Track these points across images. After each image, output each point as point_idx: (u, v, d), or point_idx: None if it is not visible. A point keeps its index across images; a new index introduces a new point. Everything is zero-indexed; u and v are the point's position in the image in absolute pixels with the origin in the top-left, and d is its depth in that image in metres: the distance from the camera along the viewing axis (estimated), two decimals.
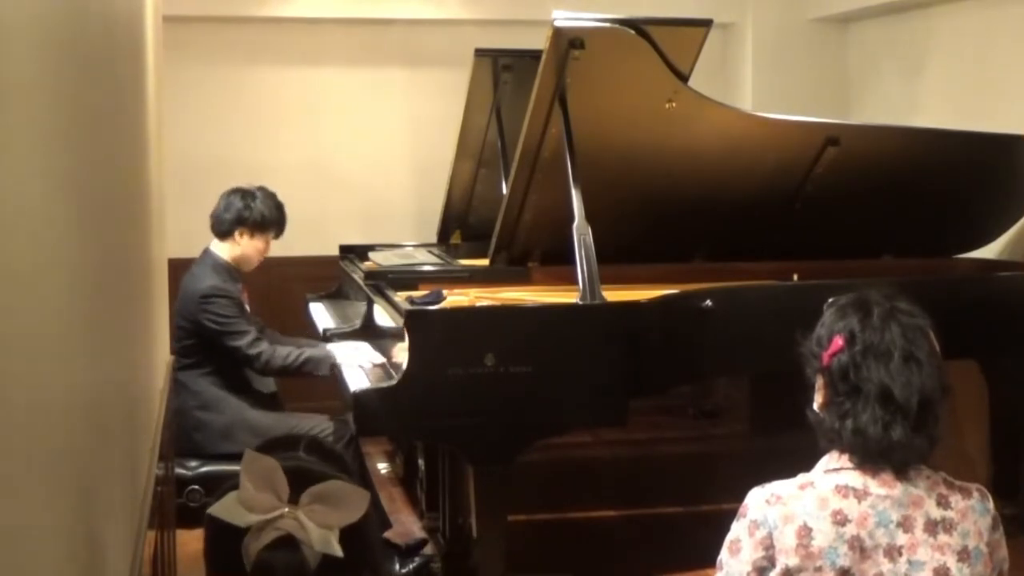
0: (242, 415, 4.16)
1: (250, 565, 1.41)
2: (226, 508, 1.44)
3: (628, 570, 4.10)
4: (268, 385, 4.32)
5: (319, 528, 1.42)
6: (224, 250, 4.27)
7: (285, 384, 4.45)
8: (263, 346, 4.08)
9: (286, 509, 1.42)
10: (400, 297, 3.81)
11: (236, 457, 1.53)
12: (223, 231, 4.27)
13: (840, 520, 1.90)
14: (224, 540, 1.43)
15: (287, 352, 4.06)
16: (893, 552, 1.90)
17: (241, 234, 4.25)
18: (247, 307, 4.27)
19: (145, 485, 2.40)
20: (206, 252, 4.29)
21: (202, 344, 4.15)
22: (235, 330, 4.09)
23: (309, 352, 4.06)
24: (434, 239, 5.18)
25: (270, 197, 4.30)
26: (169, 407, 3.44)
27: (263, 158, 5.56)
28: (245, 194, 4.28)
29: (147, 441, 2.63)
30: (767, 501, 1.94)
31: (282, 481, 1.44)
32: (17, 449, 1.04)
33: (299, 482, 1.45)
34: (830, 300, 2.07)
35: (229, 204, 4.27)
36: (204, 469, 4.14)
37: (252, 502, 1.42)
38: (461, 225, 5.14)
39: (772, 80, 5.94)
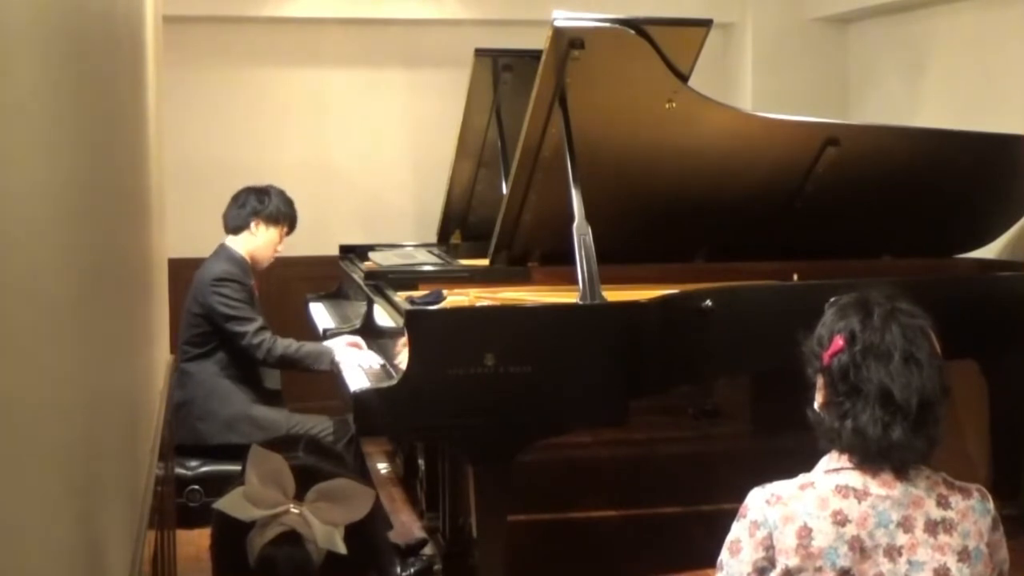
0: (247, 408, 4.19)
1: (254, 560, 1.41)
2: (231, 503, 1.44)
3: (628, 570, 4.10)
4: (275, 382, 4.36)
5: (324, 525, 1.42)
6: (239, 243, 4.34)
7: (287, 383, 4.46)
8: (266, 335, 4.13)
9: (291, 505, 1.43)
10: (400, 297, 3.81)
11: (237, 451, 1.53)
12: (237, 224, 4.35)
13: (840, 520, 1.90)
14: (230, 535, 1.43)
15: (288, 342, 4.12)
16: (893, 552, 1.90)
17: (257, 224, 4.34)
18: (257, 301, 4.31)
19: (145, 485, 2.40)
20: (221, 246, 4.35)
21: (214, 332, 4.19)
22: (242, 316, 4.15)
23: (310, 346, 4.09)
24: (434, 239, 5.18)
25: (281, 194, 4.43)
26: (169, 407, 3.44)
27: (263, 158, 5.56)
28: (259, 191, 4.40)
29: (147, 441, 2.63)
30: (767, 501, 1.95)
31: (288, 477, 1.44)
32: (17, 449, 1.04)
33: (305, 480, 1.45)
34: (831, 299, 2.07)
35: (244, 201, 4.38)
36: (204, 469, 4.15)
37: (257, 497, 1.43)
38: (461, 225, 5.14)
39: (772, 80, 5.93)
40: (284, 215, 4.38)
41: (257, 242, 4.34)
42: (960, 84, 5.08)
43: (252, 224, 4.33)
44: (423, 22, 5.85)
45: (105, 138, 1.88)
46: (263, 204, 4.34)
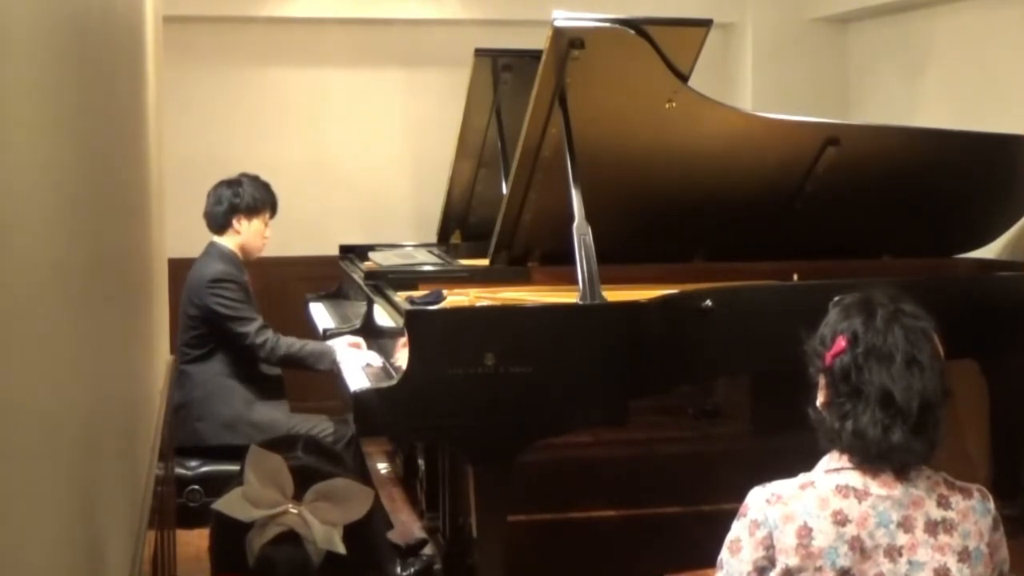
0: (247, 409, 4.18)
1: (253, 560, 1.41)
2: (230, 503, 1.44)
3: (628, 570, 4.10)
4: (274, 369, 4.35)
5: (323, 525, 1.42)
6: (227, 241, 4.32)
7: (287, 383, 4.45)
8: (268, 333, 4.12)
9: (290, 505, 1.43)
10: (400, 297, 3.81)
11: (236, 451, 1.54)
12: (220, 224, 4.32)
13: (840, 520, 1.90)
14: (229, 535, 1.44)
15: (291, 341, 4.12)
16: (893, 552, 1.90)
17: (239, 220, 4.30)
18: (253, 296, 4.30)
19: (145, 485, 2.40)
20: (211, 244, 4.33)
21: (212, 332, 4.18)
22: (242, 315, 4.13)
23: (312, 345, 4.10)
24: (434, 239, 5.17)
25: (255, 179, 4.37)
26: (169, 407, 3.44)
27: (263, 158, 5.55)
28: (231, 183, 4.35)
29: (147, 441, 2.63)
30: (767, 501, 1.95)
31: (287, 478, 1.44)
32: (17, 449, 1.04)
33: (303, 480, 1.45)
34: (836, 299, 2.07)
35: (219, 197, 4.33)
36: (204, 469, 4.14)
37: (256, 497, 1.43)
38: (461, 225, 5.14)
39: (772, 80, 5.94)
40: (262, 201, 4.33)
41: (243, 237, 4.32)
42: (960, 84, 5.08)
43: (234, 222, 4.29)
44: (423, 22, 5.85)
45: (105, 138, 1.88)
46: (238, 197, 4.29)
